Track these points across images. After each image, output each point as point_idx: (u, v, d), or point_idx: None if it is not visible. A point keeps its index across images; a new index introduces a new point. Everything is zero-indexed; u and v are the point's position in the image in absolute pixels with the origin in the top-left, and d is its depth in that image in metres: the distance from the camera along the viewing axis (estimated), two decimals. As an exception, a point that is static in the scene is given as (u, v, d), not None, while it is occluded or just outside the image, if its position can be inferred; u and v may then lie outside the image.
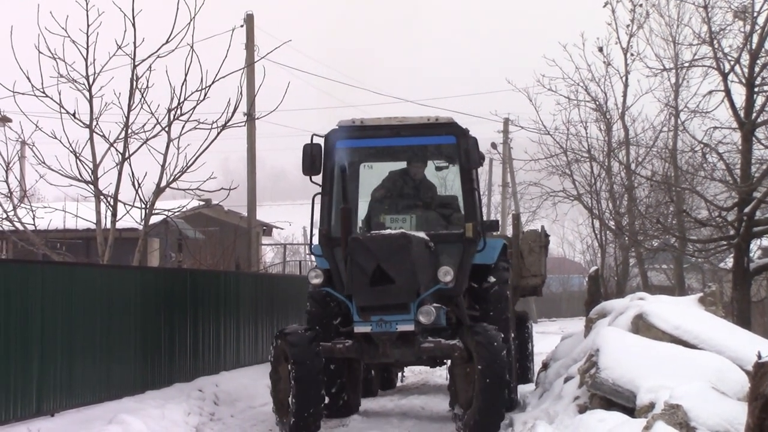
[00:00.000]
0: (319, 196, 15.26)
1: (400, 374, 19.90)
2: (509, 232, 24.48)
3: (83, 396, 13.86)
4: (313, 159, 14.93)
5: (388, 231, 14.25)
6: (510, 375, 15.16)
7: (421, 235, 14.51)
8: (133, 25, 18.17)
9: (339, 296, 14.41)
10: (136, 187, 18.79)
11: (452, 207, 15.81)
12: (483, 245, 15.09)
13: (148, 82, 18.47)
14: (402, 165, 16.18)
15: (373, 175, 16.63)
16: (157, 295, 16.39)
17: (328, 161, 15.10)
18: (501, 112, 46.93)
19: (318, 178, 15.22)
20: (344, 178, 14.82)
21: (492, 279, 15.40)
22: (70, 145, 18.17)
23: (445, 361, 14.92)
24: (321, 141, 15.17)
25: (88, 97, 18.25)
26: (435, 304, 14.03)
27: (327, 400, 14.72)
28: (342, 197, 14.58)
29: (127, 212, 18.96)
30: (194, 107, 18.90)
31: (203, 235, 32.50)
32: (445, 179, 17.34)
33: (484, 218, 16.69)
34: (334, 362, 14.81)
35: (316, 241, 15.41)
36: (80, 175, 18.33)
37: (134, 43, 18.26)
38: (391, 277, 13.59)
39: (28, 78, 18.04)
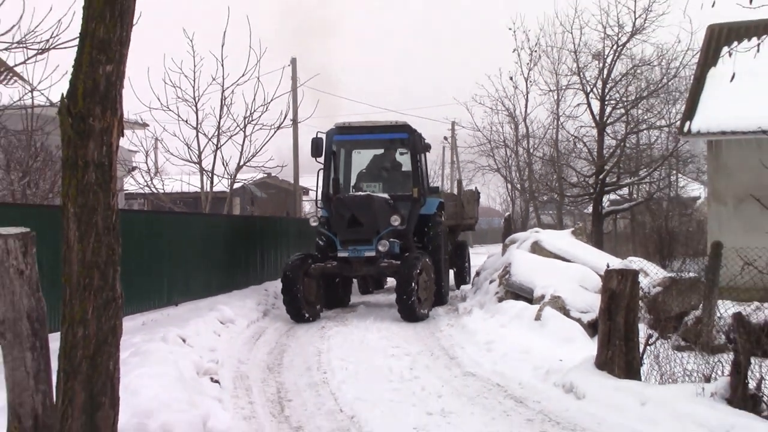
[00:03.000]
0: (322, 171, 14.82)
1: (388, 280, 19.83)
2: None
3: (195, 293, 13.89)
4: (317, 147, 14.52)
5: (359, 193, 13.99)
6: (440, 279, 14.47)
7: (384, 195, 14.09)
8: (222, 65, 18.18)
9: (328, 233, 13.99)
10: (225, 166, 18.93)
11: (408, 178, 15.20)
12: (424, 202, 14.74)
13: (231, 100, 18.51)
14: (378, 151, 15.79)
15: (362, 158, 16.38)
16: (238, 232, 16.31)
17: (327, 148, 14.67)
18: (450, 117, 47.55)
19: (321, 160, 14.79)
20: (336, 159, 14.68)
21: (430, 224, 14.86)
22: (185, 140, 18.31)
23: None
24: (323, 135, 14.78)
25: (195, 109, 18.22)
26: (391, 239, 13.64)
27: (327, 297, 14.23)
28: (333, 172, 14.50)
29: (219, 181, 18.96)
30: (260, 115, 19.33)
31: (266, 195, 32.51)
32: (407, 159, 17.09)
33: (430, 185, 16.29)
34: (333, 276, 14.30)
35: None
36: (191, 158, 18.39)
37: (222, 76, 18.33)
38: (361, 222, 13.36)
39: (158, 99, 18.45)
